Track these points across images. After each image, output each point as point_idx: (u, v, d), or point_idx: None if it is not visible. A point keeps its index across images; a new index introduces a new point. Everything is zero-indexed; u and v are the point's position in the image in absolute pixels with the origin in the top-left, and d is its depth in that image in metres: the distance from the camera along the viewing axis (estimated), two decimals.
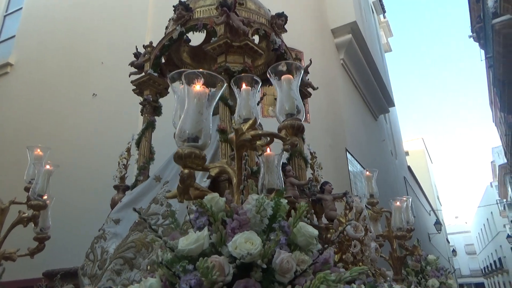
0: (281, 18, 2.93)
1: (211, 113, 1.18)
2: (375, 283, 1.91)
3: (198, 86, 1.15)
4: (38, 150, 2.47)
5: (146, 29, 6.48)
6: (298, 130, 1.35)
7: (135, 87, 3.08)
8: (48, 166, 2.30)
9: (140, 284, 1.00)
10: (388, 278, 2.29)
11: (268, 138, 1.54)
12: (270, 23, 2.92)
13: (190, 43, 3.45)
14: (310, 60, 3.36)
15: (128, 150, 2.88)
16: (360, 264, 2.08)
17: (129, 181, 2.90)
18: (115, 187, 2.77)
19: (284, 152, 1.70)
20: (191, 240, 0.96)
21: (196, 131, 1.13)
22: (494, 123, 17.85)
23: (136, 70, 3.11)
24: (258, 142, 1.53)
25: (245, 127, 1.44)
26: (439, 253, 20.12)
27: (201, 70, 1.20)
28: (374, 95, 11.73)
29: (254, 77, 1.65)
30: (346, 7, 9.39)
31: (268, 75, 1.47)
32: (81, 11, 8.01)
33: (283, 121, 1.39)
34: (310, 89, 3.37)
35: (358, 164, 8.77)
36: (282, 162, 2.82)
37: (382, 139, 12.93)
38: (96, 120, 6.47)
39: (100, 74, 6.90)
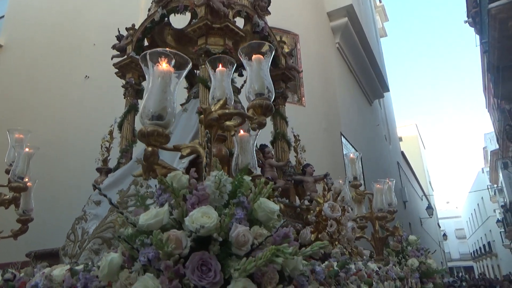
0: (264, 0, 2.89)
1: (175, 92, 1.19)
2: (349, 260, 1.96)
3: (161, 65, 1.15)
4: (19, 133, 2.47)
5: (139, 9, 6.34)
6: (266, 110, 1.36)
7: (117, 70, 3.06)
8: (28, 149, 2.31)
9: (103, 258, 1.03)
10: (364, 257, 2.35)
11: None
12: (252, 5, 2.87)
13: (177, 26, 3.40)
14: (295, 44, 3.34)
15: (111, 133, 2.88)
16: (336, 243, 2.13)
17: (113, 164, 2.91)
18: (98, 169, 2.78)
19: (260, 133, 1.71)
20: (150, 216, 0.98)
21: (159, 109, 1.13)
22: (487, 109, 17.93)
23: (118, 52, 3.08)
24: (230, 123, 1.54)
25: (215, 107, 1.45)
26: (430, 237, 20.54)
27: (165, 49, 1.20)
28: (369, 79, 11.70)
29: (229, 58, 1.65)
30: None
31: (239, 55, 1.47)
32: None
33: (252, 101, 1.39)
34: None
35: (353, 148, 8.81)
36: (262, 144, 2.85)
37: (377, 123, 12.98)
38: (87, 102, 6.43)
39: (92, 55, 6.81)
